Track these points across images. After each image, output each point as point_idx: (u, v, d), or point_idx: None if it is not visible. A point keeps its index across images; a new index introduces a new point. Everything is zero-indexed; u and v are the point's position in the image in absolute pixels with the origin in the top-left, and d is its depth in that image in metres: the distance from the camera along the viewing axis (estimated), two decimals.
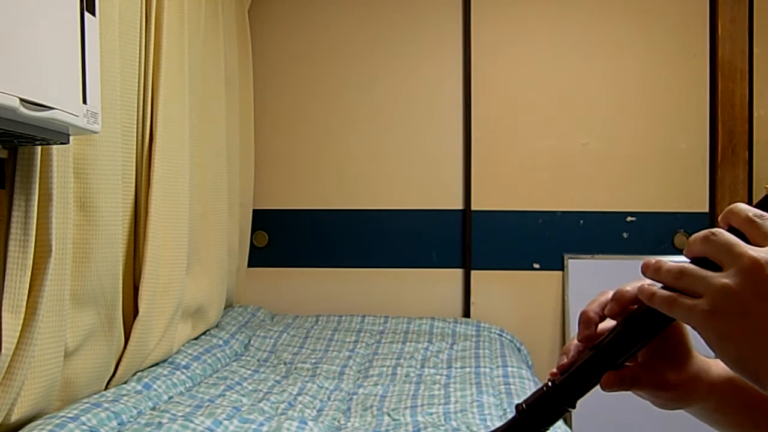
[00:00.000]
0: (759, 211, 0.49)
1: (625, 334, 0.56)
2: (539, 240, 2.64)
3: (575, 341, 0.60)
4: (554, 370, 0.58)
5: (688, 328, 0.59)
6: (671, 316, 0.50)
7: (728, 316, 0.46)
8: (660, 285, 0.52)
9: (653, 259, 0.53)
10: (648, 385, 0.59)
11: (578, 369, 0.57)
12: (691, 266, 0.49)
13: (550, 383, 0.58)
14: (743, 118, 2.53)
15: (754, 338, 0.45)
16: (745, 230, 0.48)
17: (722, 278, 0.46)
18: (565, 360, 0.58)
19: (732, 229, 0.49)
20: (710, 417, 0.62)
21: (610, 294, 0.58)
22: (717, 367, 0.61)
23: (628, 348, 0.56)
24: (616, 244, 2.61)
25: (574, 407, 0.57)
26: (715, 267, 0.48)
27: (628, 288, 0.57)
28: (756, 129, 2.53)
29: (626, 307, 0.57)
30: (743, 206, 0.49)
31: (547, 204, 2.64)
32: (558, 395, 0.57)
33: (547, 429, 0.57)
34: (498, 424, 1.48)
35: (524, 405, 0.58)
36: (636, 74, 2.60)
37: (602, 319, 0.59)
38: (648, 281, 0.53)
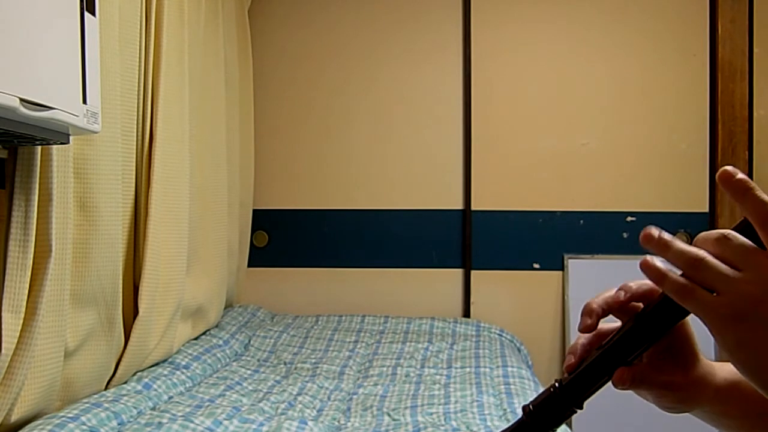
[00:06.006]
0: None
1: (636, 329, 0.54)
2: (539, 240, 2.64)
3: (581, 340, 0.59)
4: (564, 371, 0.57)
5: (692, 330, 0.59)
6: (683, 306, 0.48)
7: (749, 323, 0.45)
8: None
9: (655, 231, 0.49)
10: (655, 385, 0.58)
11: (587, 368, 0.56)
12: (711, 258, 0.47)
13: (557, 383, 0.56)
14: (743, 118, 2.52)
15: None
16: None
17: (745, 283, 0.45)
18: (572, 360, 0.57)
19: (744, 227, 0.48)
20: (715, 421, 0.62)
21: (614, 290, 0.58)
22: (722, 371, 0.61)
23: (639, 344, 0.54)
24: (616, 244, 2.61)
25: (581, 408, 0.55)
26: None
27: (633, 285, 0.57)
28: (756, 129, 2.53)
29: (632, 299, 0.56)
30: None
31: (547, 204, 2.64)
32: (565, 395, 0.55)
33: (554, 430, 0.56)
34: (498, 423, 1.48)
35: (531, 406, 0.57)
36: (636, 74, 2.60)
37: (605, 313, 0.58)
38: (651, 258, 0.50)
